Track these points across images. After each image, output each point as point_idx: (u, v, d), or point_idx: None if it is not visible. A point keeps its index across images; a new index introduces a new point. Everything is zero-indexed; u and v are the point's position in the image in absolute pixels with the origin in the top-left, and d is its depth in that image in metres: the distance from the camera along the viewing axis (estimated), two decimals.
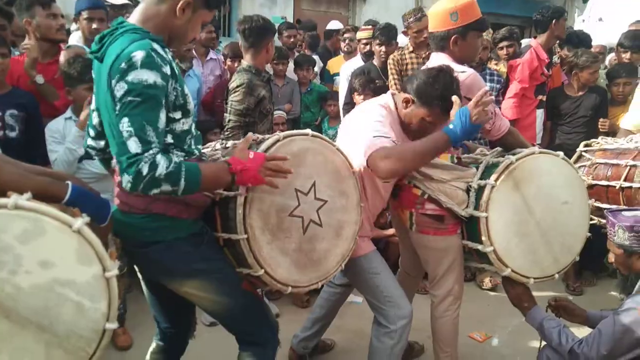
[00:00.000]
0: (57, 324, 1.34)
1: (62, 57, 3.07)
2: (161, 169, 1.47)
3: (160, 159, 1.48)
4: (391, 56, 4.20)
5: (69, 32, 3.65)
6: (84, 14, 3.36)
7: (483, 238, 2.20)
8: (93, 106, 1.85)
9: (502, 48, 4.38)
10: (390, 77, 4.16)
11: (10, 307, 1.30)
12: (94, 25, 3.35)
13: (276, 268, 1.87)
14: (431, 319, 2.53)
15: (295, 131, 1.99)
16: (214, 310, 1.90)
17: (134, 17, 1.66)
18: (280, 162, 1.76)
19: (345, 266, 2.16)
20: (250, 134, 1.83)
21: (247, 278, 1.90)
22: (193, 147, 1.77)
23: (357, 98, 3.92)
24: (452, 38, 2.39)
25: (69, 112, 2.89)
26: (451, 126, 1.99)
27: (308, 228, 1.94)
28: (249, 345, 1.93)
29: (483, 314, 3.50)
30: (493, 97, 1.96)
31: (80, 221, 1.36)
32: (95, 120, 1.87)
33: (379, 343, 2.34)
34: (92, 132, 1.92)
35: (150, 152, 1.47)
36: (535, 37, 4.31)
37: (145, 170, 1.46)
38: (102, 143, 1.91)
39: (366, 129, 2.10)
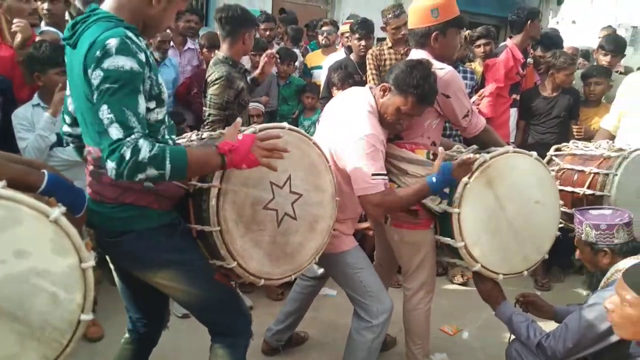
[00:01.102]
0: (31, 315, 1.32)
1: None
2: (144, 152, 1.44)
3: (143, 143, 1.46)
4: (370, 51, 4.21)
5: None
6: None
7: (455, 233, 2.25)
8: (68, 92, 1.81)
9: (479, 46, 4.44)
10: (369, 71, 4.18)
11: None
12: (45, 6, 3.28)
13: (249, 260, 1.87)
14: (403, 312, 2.58)
15: (271, 124, 1.98)
16: (186, 301, 1.89)
17: (107, 4, 1.62)
18: (275, 140, 1.71)
19: (327, 261, 2.19)
20: (239, 119, 1.77)
21: (220, 270, 1.90)
22: (167, 137, 1.74)
23: (336, 92, 3.93)
24: (433, 35, 2.40)
25: (36, 99, 2.81)
26: (434, 179, 2.14)
27: (282, 221, 1.94)
28: (222, 336, 1.92)
29: (454, 307, 3.57)
30: (477, 157, 2.21)
31: (57, 211, 1.34)
32: (70, 106, 1.84)
33: (359, 336, 2.37)
34: (67, 119, 1.88)
35: (133, 136, 1.45)
36: (510, 37, 4.39)
37: (128, 155, 1.43)
38: (79, 130, 1.86)
39: (358, 157, 2.16)
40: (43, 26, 3.38)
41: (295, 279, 2.36)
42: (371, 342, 2.35)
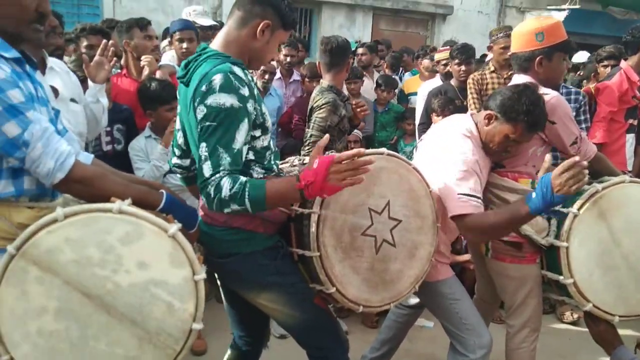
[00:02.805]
0: (149, 321, 1.45)
1: (158, 75, 3.32)
2: (225, 191, 1.56)
3: (225, 182, 1.57)
4: (471, 76, 4.14)
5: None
6: (176, 35, 3.65)
7: (563, 269, 2.11)
8: (178, 126, 1.97)
9: (606, 66, 4.20)
10: (470, 96, 4.10)
11: (110, 302, 1.42)
12: (185, 45, 3.61)
13: (348, 286, 1.89)
14: (506, 350, 2.45)
15: (370, 150, 1.99)
16: (286, 323, 1.94)
17: (216, 42, 1.78)
18: (354, 158, 1.59)
19: (422, 290, 2.13)
20: (323, 139, 1.74)
21: (319, 294, 1.93)
22: (272, 162, 1.85)
23: (436, 119, 3.90)
24: (537, 59, 2.34)
25: (147, 131, 3.05)
26: (533, 195, 1.89)
27: (381, 248, 1.94)
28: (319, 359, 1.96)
29: (563, 348, 3.33)
30: (585, 164, 1.80)
31: (175, 227, 1.47)
32: (180, 139, 1.99)
33: None
34: (177, 152, 2.04)
35: (217, 175, 1.58)
36: (625, 59, 4.11)
37: (212, 193, 1.58)
38: (187, 161, 2.03)
39: (452, 176, 2.07)
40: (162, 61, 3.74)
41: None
42: None
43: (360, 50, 5.23)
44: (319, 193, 1.62)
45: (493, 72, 4.07)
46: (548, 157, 2.11)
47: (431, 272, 2.20)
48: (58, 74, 2.46)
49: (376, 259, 1.93)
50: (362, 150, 1.63)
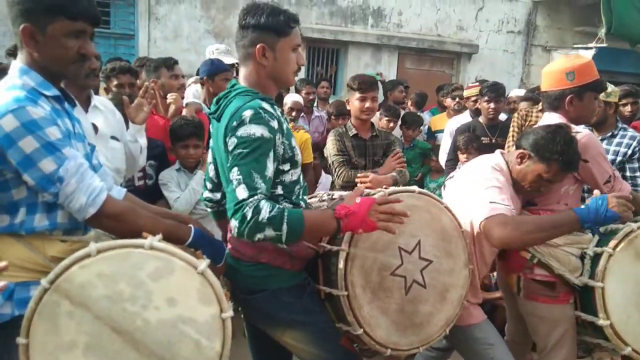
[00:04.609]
0: (177, 359, 1.44)
1: (185, 112, 3.41)
2: (264, 213, 1.53)
3: (264, 204, 1.55)
4: (518, 111, 4.16)
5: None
6: (221, 76, 3.62)
7: (599, 310, 2.04)
8: (210, 159, 2.02)
9: (625, 104, 4.14)
10: (511, 130, 4.09)
11: (139, 339, 1.42)
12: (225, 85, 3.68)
13: (376, 328, 1.84)
14: None
15: (401, 187, 1.99)
16: None
17: (242, 78, 1.81)
18: (394, 204, 1.71)
19: (453, 334, 2.08)
20: (361, 185, 1.83)
21: (346, 334, 1.90)
22: (300, 198, 1.85)
23: (461, 157, 3.89)
24: (568, 98, 2.34)
25: (177, 164, 3.14)
26: (583, 206, 1.93)
27: (411, 289, 1.89)
28: None
29: None
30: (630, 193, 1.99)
31: (204, 264, 1.48)
32: (211, 172, 2.02)
33: None
34: (209, 185, 2.07)
35: (255, 197, 1.56)
36: None
37: (249, 215, 1.53)
38: (218, 195, 2.06)
39: (482, 194, 2.05)
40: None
41: None
42: None
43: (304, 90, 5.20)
44: (359, 224, 1.64)
45: (540, 110, 4.04)
46: (596, 192, 2.08)
47: (462, 315, 2.14)
48: (102, 112, 2.56)
49: (406, 300, 1.89)
50: (401, 198, 1.70)
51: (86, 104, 2.47)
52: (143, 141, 2.79)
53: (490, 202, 1.99)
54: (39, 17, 1.47)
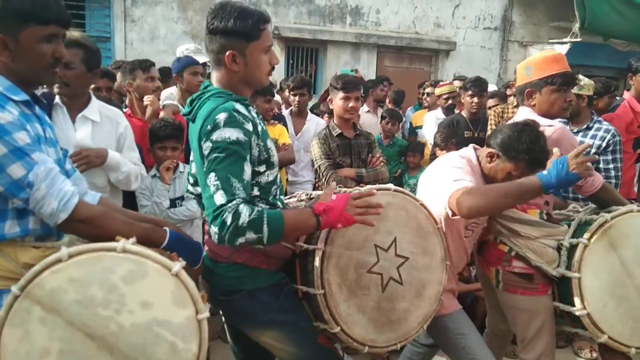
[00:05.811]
0: None
1: (162, 114, 3.38)
2: (244, 217, 1.53)
3: (243, 208, 1.54)
4: (494, 108, 4.24)
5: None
6: (189, 70, 3.64)
7: (576, 300, 2.08)
8: (192, 157, 2.00)
9: (602, 97, 4.20)
10: (489, 127, 4.18)
11: (113, 343, 1.40)
12: (199, 78, 3.65)
13: (353, 326, 1.84)
14: None
15: (377, 185, 1.99)
16: None
17: (214, 79, 1.78)
18: (368, 197, 1.72)
19: (429, 325, 2.09)
20: (333, 183, 1.84)
21: (324, 333, 1.89)
22: (277, 198, 1.84)
23: (439, 153, 3.91)
24: (526, 92, 2.44)
25: (153, 170, 3.07)
26: (545, 172, 1.90)
27: (387, 286, 1.89)
28: None
29: None
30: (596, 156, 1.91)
31: (178, 265, 1.46)
32: (193, 170, 2.01)
33: None
34: (191, 179, 2.04)
35: (234, 202, 1.54)
36: (628, 90, 4.12)
37: (229, 220, 1.52)
38: (199, 189, 2.04)
39: (445, 176, 2.08)
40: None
41: (403, 346, 2.28)
42: None
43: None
44: (337, 219, 1.65)
45: (516, 106, 4.08)
46: (556, 150, 2.04)
47: None
48: (92, 122, 2.46)
49: (383, 297, 1.89)
50: (374, 190, 1.70)
51: (79, 112, 2.43)
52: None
53: (455, 180, 2.01)
54: (9, 26, 1.45)
